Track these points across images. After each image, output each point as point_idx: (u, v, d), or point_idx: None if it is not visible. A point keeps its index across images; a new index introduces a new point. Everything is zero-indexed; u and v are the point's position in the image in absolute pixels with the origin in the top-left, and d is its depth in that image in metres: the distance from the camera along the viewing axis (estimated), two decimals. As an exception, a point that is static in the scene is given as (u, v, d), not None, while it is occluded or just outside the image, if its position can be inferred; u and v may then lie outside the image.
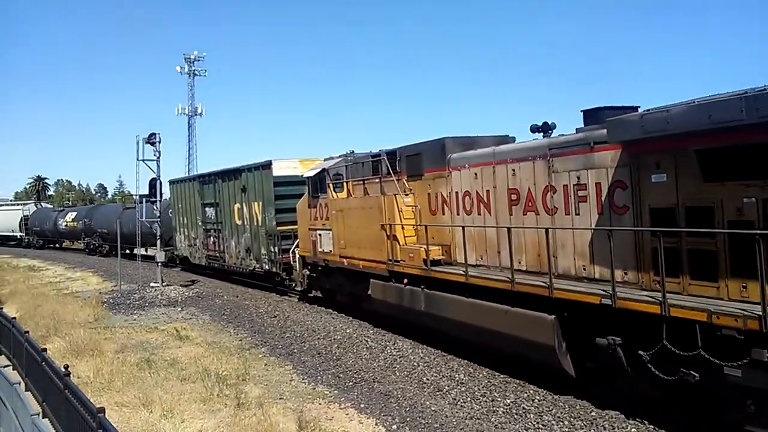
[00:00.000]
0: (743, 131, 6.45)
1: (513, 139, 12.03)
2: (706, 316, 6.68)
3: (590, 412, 8.37)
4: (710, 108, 6.63)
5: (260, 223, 20.74)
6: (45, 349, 9.41)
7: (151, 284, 23.04)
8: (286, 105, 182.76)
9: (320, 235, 16.25)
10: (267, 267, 20.47)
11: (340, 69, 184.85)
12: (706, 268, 7.21)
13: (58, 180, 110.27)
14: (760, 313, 6.21)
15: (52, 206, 64.14)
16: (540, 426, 8.10)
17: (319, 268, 16.87)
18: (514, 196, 10.30)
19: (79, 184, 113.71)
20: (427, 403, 9.29)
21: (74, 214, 45.44)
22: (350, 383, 10.52)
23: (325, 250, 15.98)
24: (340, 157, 16.25)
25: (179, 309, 18.99)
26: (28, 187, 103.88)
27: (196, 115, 78.43)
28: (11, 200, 78.30)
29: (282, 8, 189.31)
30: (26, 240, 52.95)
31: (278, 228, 19.63)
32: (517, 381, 9.86)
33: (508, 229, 9.71)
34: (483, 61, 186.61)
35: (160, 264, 23.84)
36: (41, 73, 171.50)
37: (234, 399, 9.34)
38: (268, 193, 20.13)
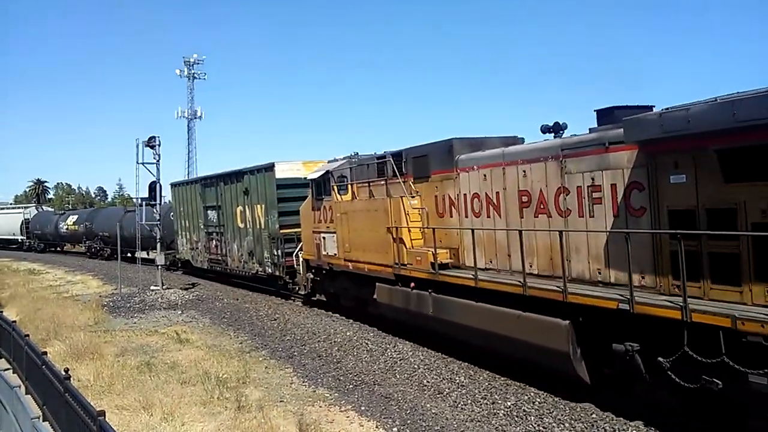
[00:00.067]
0: (769, 130, 6.21)
1: (522, 140, 11.81)
2: (730, 322, 6.44)
3: (591, 414, 8.33)
4: (734, 106, 6.39)
5: (263, 226, 20.51)
6: (45, 353, 9.38)
7: (152, 287, 22.99)
8: (286, 108, 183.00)
9: (324, 238, 16.01)
10: (270, 270, 20.24)
11: (340, 71, 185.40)
12: (728, 272, 6.96)
13: (58, 183, 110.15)
14: (789, 319, 5.98)
15: (53, 209, 63.95)
16: (541, 428, 8.08)
17: (323, 272, 16.63)
18: (525, 198, 10.05)
19: (79, 188, 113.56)
20: (428, 405, 9.26)
21: (75, 217, 45.23)
22: (351, 386, 10.48)
23: (330, 254, 15.74)
24: (344, 159, 16.03)
25: (179, 312, 18.94)
26: (27, 190, 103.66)
27: (195, 118, 78.56)
28: (11, 203, 78.08)
29: (282, 10, 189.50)
30: (27, 243, 52.74)
31: (281, 231, 19.41)
32: (518, 383, 9.81)
33: (520, 231, 9.46)
34: (483, 62, 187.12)
35: (160, 267, 23.77)
36: (40, 75, 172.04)
37: (234, 402, 9.32)
38: (271, 195, 19.91)
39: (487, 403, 9.11)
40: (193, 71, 78.17)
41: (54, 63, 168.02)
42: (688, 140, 7.14)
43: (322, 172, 16.02)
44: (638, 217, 8.10)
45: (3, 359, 12.48)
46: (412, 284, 12.30)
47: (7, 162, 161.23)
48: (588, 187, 8.82)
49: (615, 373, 8.34)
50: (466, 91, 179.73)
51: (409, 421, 8.63)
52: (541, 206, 9.70)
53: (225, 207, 23.51)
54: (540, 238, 9.68)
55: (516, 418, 8.46)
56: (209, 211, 24.99)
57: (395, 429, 8.43)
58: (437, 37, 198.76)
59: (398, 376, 10.83)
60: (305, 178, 17.73)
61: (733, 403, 6.96)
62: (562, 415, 8.40)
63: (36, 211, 55.96)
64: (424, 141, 13.13)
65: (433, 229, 11.73)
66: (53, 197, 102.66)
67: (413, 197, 12.81)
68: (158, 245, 24.34)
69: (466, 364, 11.10)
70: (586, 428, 7.92)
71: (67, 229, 45.17)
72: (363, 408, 9.26)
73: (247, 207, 21.67)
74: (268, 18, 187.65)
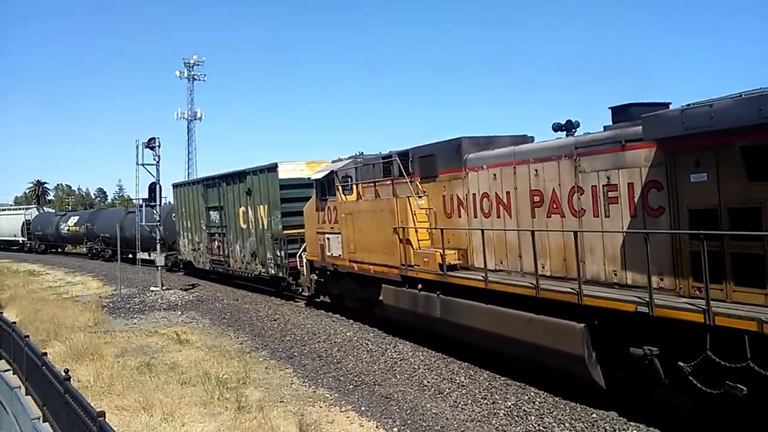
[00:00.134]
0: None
1: (531, 139, 11.56)
2: (756, 326, 6.19)
3: (591, 414, 8.25)
4: (761, 101, 6.15)
5: (266, 227, 20.28)
6: (45, 354, 9.37)
7: (151, 288, 22.90)
8: (286, 109, 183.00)
9: (329, 238, 15.78)
10: (273, 272, 20.00)
11: (340, 72, 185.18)
12: (753, 274, 6.71)
13: (58, 185, 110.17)
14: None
15: (53, 211, 63.74)
16: (541, 428, 8.02)
17: (328, 273, 16.40)
18: (537, 198, 9.81)
19: (79, 189, 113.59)
20: (428, 405, 9.23)
21: (76, 218, 45.03)
22: (351, 386, 10.43)
23: (334, 255, 15.51)
24: (348, 159, 15.81)
25: (179, 313, 18.88)
26: (27, 191, 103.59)
27: (195, 119, 78.52)
28: (11, 205, 77.88)
29: (281, 10, 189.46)
30: (28, 245, 52.46)
31: (284, 232, 19.19)
32: (518, 383, 9.75)
33: (532, 232, 9.21)
34: (483, 62, 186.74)
35: (160, 268, 23.66)
36: (40, 76, 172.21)
37: (234, 402, 9.28)
38: (274, 196, 19.68)
39: (487, 403, 9.07)
40: (192, 73, 78.17)
41: (54, 64, 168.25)
42: (710, 137, 6.90)
43: (327, 172, 15.79)
44: (656, 217, 7.85)
45: (3, 360, 12.48)
46: (420, 286, 12.06)
47: (6, 163, 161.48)
48: (603, 186, 8.57)
49: (631, 377, 8.09)
50: (467, 91, 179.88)
51: (409, 421, 8.60)
52: (554, 206, 9.45)
53: (227, 208, 23.29)
54: (553, 238, 9.43)
55: (516, 418, 8.41)
56: (211, 212, 24.77)
57: (395, 429, 8.39)
58: (437, 37, 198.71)
59: (398, 377, 10.78)
60: (308, 179, 17.53)
61: (759, 409, 6.70)
62: (562, 414, 8.36)
63: (37, 213, 55.74)
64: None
65: (442, 229, 11.48)
66: (53, 198, 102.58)
67: (420, 197, 12.57)
68: (158, 246, 24.25)
69: (467, 364, 11.05)
70: (587, 428, 7.86)
71: (68, 230, 44.95)
72: (363, 408, 9.24)
73: (249, 207, 21.44)
74: (267, 19, 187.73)
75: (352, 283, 15.22)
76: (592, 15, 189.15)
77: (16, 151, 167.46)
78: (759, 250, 6.65)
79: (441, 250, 11.35)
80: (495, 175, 10.70)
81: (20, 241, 53.79)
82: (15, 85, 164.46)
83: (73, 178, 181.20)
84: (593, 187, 8.74)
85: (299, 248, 18.30)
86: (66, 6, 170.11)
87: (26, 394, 9.85)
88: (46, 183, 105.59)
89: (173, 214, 29.41)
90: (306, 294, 18.72)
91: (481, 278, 10.19)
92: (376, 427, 8.46)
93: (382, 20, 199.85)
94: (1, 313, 14.98)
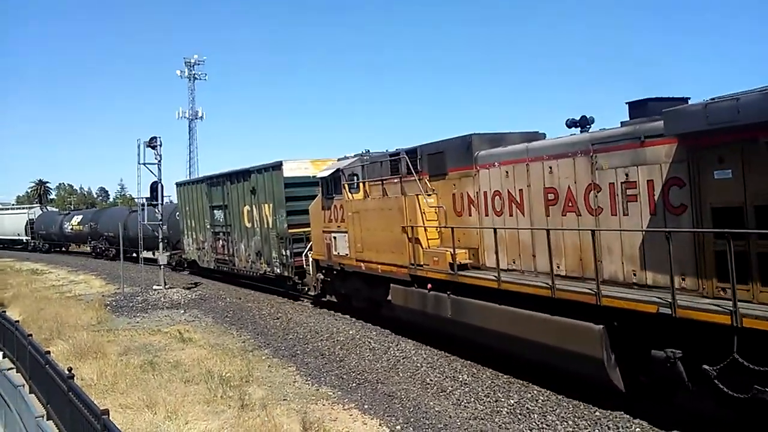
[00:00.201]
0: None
1: (543, 135, 11.30)
2: (787, 328, 5.95)
3: (594, 412, 8.19)
4: (792, 94, 5.90)
5: (271, 226, 20.07)
6: (48, 352, 9.41)
7: (154, 287, 22.88)
8: (287, 108, 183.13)
9: (335, 237, 15.55)
10: (278, 271, 19.79)
11: (341, 71, 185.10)
12: (781, 274, 6.46)
13: (60, 184, 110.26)
14: None
15: (57, 210, 63.64)
16: (544, 426, 7.98)
17: (334, 272, 16.18)
18: (551, 196, 9.55)
19: (81, 188, 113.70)
20: (431, 403, 9.21)
21: (80, 217, 44.89)
22: (354, 384, 10.44)
23: (341, 254, 15.28)
24: (355, 156, 15.58)
25: (182, 311, 18.86)
26: (29, 191, 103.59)
27: (196, 118, 78.18)
28: (13, 204, 77.76)
29: (281, 10, 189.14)
30: (32, 244, 52.34)
31: (290, 230, 18.98)
32: (521, 381, 9.72)
33: (547, 231, 8.96)
34: (484, 62, 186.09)
35: (162, 267, 23.62)
36: (41, 76, 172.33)
37: (238, 400, 9.29)
38: (279, 194, 19.48)
39: (490, 401, 9.03)
40: (193, 72, 77.79)
41: (54, 64, 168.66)
42: (735, 132, 6.66)
43: (333, 170, 15.56)
44: (678, 215, 7.59)
45: (7, 359, 12.51)
46: (430, 285, 11.82)
47: (8, 162, 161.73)
48: (622, 183, 8.32)
49: (652, 380, 7.85)
50: (467, 91, 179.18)
51: (412, 419, 8.57)
52: (569, 204, 9.20)
53: (232, 206, 23.09)
54: (568, 237, 9.18)
55: (519, 416, 8.37)
56: (216, 211, 24.58)
57: (398, 427, 8.36)
58: (437, 37, 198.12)
59: (401, 375, 10.75)
60: (314, 177, 17.33)
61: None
62: (565, 412, 8.29)
63: (41, 212, 55.64)
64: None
65: (452, 228, 11.23)
66: (55, 197, 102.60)
67: (429, 195, 12.34)
68: (160, 245, 24.20)
69: (469, 362, 10.99)
70: (590, 426, 7.79)
71: (71, 229, 44.82)
72: (366, 406, 9.24)
73: (254, 206, 21.24)
74: (267, 18, 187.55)
75: (359, 283, 15.00)
76: (592, 15, 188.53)
77: (18, 151, 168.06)
78: (788, 250, 6.41)
79: (451, 249, 11.11)
80: (507, 172, 10.45)
81: (24, 241, 53.64)
82: (15, 85, 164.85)
83: (74, 178, 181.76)
84: (611, 185, 8.48)
85: (305, 247, 18.10)
86: (66, 6, 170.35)
87: (30, 393, 9.87)
88: (48, 182, 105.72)
89: (177, 213, 29.21)
90: (312, 293, 18.52)
91: (494, 278, 9.96)
92: (379, 424, 8.45)
93: (382, 20, 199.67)
94: (5, 311, 14.97)
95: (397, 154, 13.45)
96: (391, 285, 13.17)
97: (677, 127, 7.15)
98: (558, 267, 9.23)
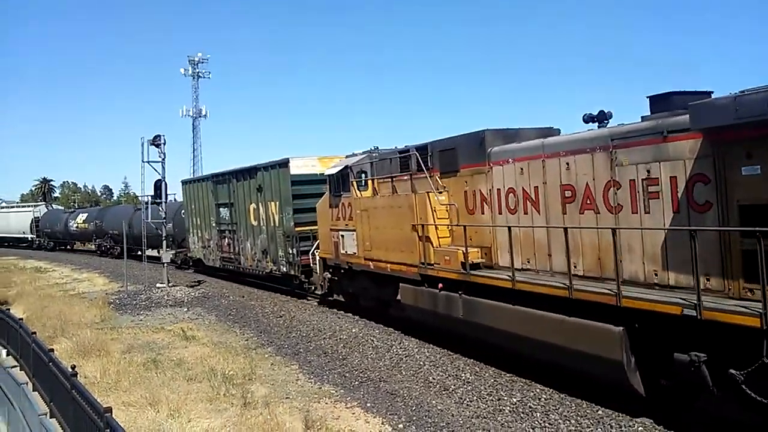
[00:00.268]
0: None
1: (558, 131, 11.03)
2: (822, 331, 5.67)
3: (597, 411, 8.17)
4: (829, 85, 5.62)
5: (277, 224, 19.84)
6: (52, 350, 9.42)
7: (158, 285, 22.88)
8: (289, 107, 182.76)
9: (343, 236, 15.32)
10: (285, 269, 19.57)
11: (344, 71, 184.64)
12: (814, 275, 6.17)
13: (64, 182, 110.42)
14: None
15: (62, 208, 63.62)
16: (547, 425, 7.96)
17: (342, 271, 15.94)
18: (568, 193, 9.28)
19: (85, 186, 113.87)
20: (434, 402, 9.20)
21: (85, 215, 44.79)
22: (356, 382, 10.42)
23: (349, 252, 15.04)
24: (363, 153, 15.35)
25: (185, 309, 18.80)
26: (33, 189, 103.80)
27: (200, 117, 78.26)
28: (17, 202, 77.90)
29: (283, 10, 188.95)
30: (37, 242, 52.30)
31: (296, 229, 18.76)
32: (524, 380, 9.71)
33: (565, 229, 8.69)
34: (484, 62, 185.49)
35: (166, 265, 23.58)
36: (45, 75, 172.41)
37: (240, 398, 9.29)
38: (286, 192, 19.25)
39: (492, 400, 9.02)
40: (197, 70, 77.89)
41: (55, 64, 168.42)
42: (764, 126, 6.37)
43: (341, 168, 15.31)
44: (702, 213, 7.31)
45: (10, 356, 12.53)
46: (440, 285, 11.57)
47: (12, 161, 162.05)
48: (643, 180, 8.04)
49: (674, 384, 7.58)
50: (467, 91, 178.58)
51: (414, 418, 8.56)
52: (588, 201, 8.92)
53: (237, 204, 22.88)
54: (586, 236, 8.90)
55: (522, 415, 8.35)
56: (221, 209, 24.38)
57: (401, 425, 8.35)
58: (437, 37, 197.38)
59: (404, 373, 10.74)
60: (321, 174, 17.11)
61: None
62: (568, 411, 8.27)
63: (46, 210, 55.63)
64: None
65: (464, 226, 10.97)
66: (59, 196, 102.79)
67: (440, 193, 12.08)
68: (164, 243, 24.14)
69: (472, 360, 10.99)
70: (592, 425, 7.76)
71: (77, 227, 44.72)
72: (369, 404, 9.24)
73: (260, 204, 21.02)
74: (268, 18, 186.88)
75: (368, 282, 14.76)
76: (592, 15, 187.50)
77: (20, 151, 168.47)
78: (821, 249, 6.12)
79: (463, 248, 10.85)
80: (522, 169, 10.19)
81: (29, 238, 53.58)
82: (16, 85, 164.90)
83: (78, 176, 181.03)
84: (631, 182, 8.20)
85: (312, 245, 17.89)
86: (66, 6, 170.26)
87: (33, 390, 9.91)
88: (52, 180, 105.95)
89: (182, 211, 29.04)
90: (319, 292, 18.31)
91: (508, 278, 9.70)
92: (382, 423, 8.44)
93: (382, 20, 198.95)
94: (9, 309, 14.88)
95: (407, 150, 13.21)
96: (401, 284, 12.92)
97: (705, 120, 6.86)
98: (575, 266, 8.95)
